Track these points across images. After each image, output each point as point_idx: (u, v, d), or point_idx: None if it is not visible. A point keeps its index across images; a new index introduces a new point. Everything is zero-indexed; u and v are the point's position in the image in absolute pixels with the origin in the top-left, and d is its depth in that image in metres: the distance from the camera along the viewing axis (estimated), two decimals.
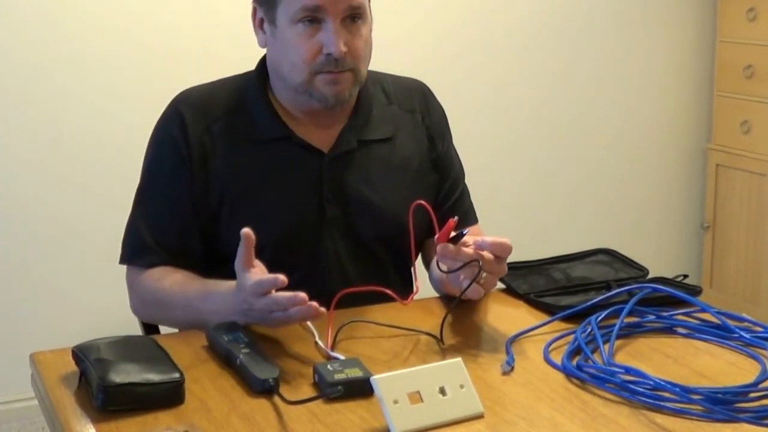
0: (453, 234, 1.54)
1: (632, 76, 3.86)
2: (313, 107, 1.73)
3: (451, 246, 1.53)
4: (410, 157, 1.83)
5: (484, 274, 1.55)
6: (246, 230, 1.48)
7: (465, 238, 1.54)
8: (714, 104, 3.90)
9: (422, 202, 1.61)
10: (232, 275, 1.54)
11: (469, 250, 1.54)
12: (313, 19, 1.66)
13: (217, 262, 1.71)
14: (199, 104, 1.75)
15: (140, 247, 1.74)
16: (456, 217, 1.54)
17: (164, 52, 3.13)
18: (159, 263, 1.72)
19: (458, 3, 3.54)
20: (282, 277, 1.43)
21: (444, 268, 1.58)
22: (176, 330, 1.74)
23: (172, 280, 1.69)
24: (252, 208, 1.72)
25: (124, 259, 1.78)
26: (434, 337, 1.54)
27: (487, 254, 1.54)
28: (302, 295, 1.43)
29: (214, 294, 1.58)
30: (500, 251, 1.55)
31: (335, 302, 1.54)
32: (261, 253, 1.65)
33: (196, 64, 3.07)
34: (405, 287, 1.81)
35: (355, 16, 1.67)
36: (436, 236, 1.55)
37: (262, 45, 1.76)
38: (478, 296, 1.58)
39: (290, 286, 1.45)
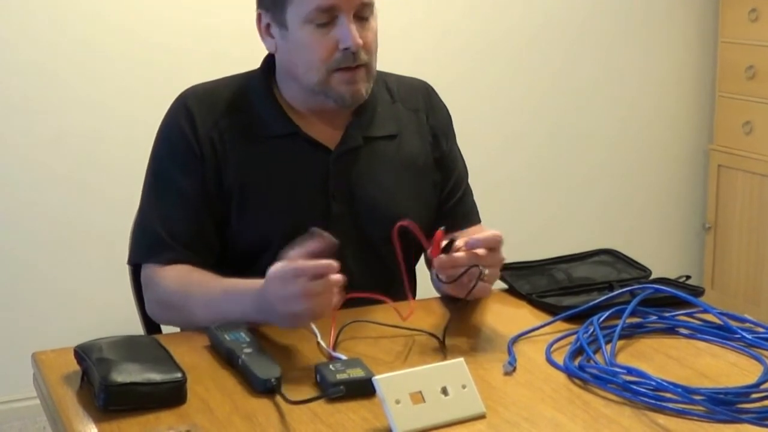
0: (444, 243, 1.54)
1: (634, 76, 3.86)
2: (328, 107, 1.73)
3: (445, 257, 1.53)
4: (415, 155, 1.83)
5: (486, 271, 1.55)
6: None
7: (457, 241, 1.55)
8: (716, 105, 3.89)
9: (405, 223, 1.57)
10: (245, 274, 1.53)
11: (464, 255, 1.54)
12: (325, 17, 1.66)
13: (230, 261, 1.71)
14: (206, 100, 1.75)
15: (156, 244, 1.70)
16: (443, 227, 1.53)
17: (166, 50, 3.13)
18: (177, 259, 1.68)
19: (459, 1, 3.54)
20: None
21: (445, 278, 1.58)
22: (178, 330, 1.74)
23: (190, 280, 1.65)
24: (259, 204, 1.72)
25: (138, 258, 1.74)
26: (436, 337, 1.54)
27: (481, 251, 1.55)
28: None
29: (237, 293, 1.55)
30: (492, 243, 1.56)
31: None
32: (267, 248, 1.65)
33: (198, 63, 3.07)
34: (409, 286, 1.81)
35: (364, 11, 1.69)
36: (429, 251, 1.56)
37: (272, 50, 1.76)
38: (486, 294, 1.59)
39: None
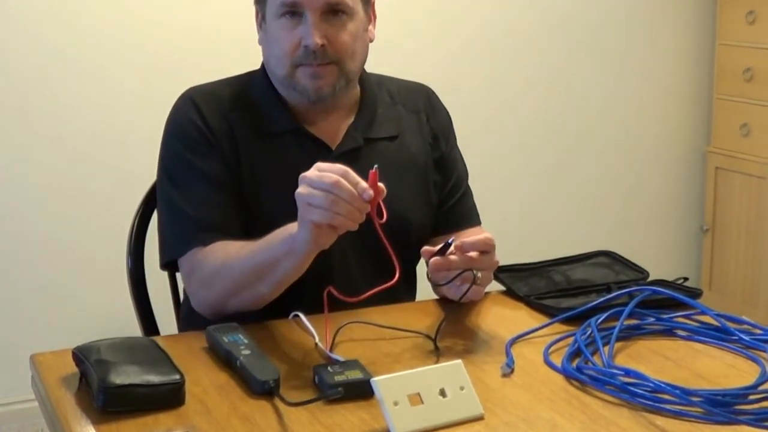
0: (440, 246, 1.54)
1: (631, 78, 3.86)
2: (302, 102, 1.74)
3: (440, 259, 1.54)
4: (415, 155, 1.84)
5: (480, 274, 1.56)
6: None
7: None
8: (713, 107, 3.90)
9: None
10: None
11: (458, 258, 1.54)
12: (294, 12, 1.69)
13: None
14: (210, 97, 1.77)
15: (196, 230, 1.69)
16: (377, 166, 1.48)
17: (167, 52, 3.13)
18: (217, 239, 1.67)
19: (459, 3, 3.54)
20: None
21: (438, 280, 1.59)
22: (177, 332, 1.75)
23: (230, 245, 1.65)
24: (264, 200, 1.72)
25: (179, 251, 1.70)
26: (432, 339, 1.54)
27: (474, 254, 1.55)
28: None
29: (278, 231, 1.55)
30: (485, 247, 1.57)
31: (326, 302, 1.53)
32: None
33: (199, 65, 3.07)
34: (409, 286, 1.81)
35: (336, 11, 1.70)
36: (422, 251, 1.57)
37: (259, 43, 1.79)
38: (479, 297, 1.60)
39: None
